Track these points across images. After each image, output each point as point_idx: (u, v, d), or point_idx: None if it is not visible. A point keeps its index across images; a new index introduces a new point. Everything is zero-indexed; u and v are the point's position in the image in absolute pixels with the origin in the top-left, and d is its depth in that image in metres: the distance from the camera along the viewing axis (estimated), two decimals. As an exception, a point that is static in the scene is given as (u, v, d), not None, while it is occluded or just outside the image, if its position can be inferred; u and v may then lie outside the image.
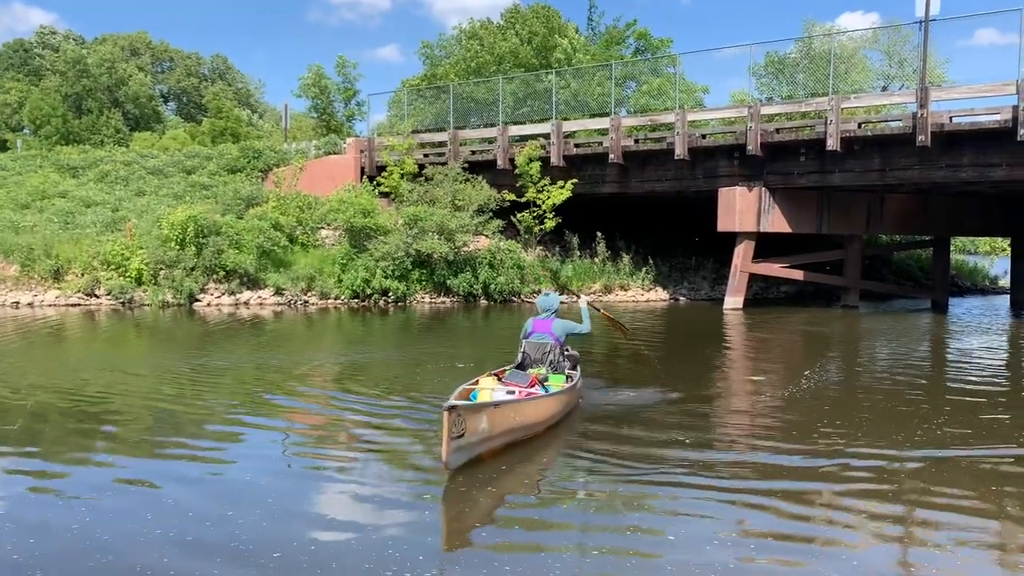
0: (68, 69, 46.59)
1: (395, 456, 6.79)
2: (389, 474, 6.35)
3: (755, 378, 11.03)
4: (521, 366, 8.12)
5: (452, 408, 5.79)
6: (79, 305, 18.10)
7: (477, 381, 7.64)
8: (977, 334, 16.93)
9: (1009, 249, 28.83)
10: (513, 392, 7.31)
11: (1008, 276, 28.74)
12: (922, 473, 6.22)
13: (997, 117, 16.66)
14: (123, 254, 18.87)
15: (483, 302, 20.66)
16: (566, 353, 8.46)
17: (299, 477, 6.28)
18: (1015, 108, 16.10)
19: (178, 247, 18.99)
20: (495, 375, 7.83)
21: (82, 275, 18.75)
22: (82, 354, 12.14)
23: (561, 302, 8.79)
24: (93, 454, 6.81)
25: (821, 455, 6.72)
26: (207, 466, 6.43)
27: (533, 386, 7.48)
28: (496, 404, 6.60)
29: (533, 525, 5.26)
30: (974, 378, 11.22)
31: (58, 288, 18.57)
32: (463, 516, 5.41)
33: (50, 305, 18.01)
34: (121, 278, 18.59)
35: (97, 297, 18.49)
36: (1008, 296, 27.03)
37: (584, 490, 5.96)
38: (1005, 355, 14.35)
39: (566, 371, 8.24)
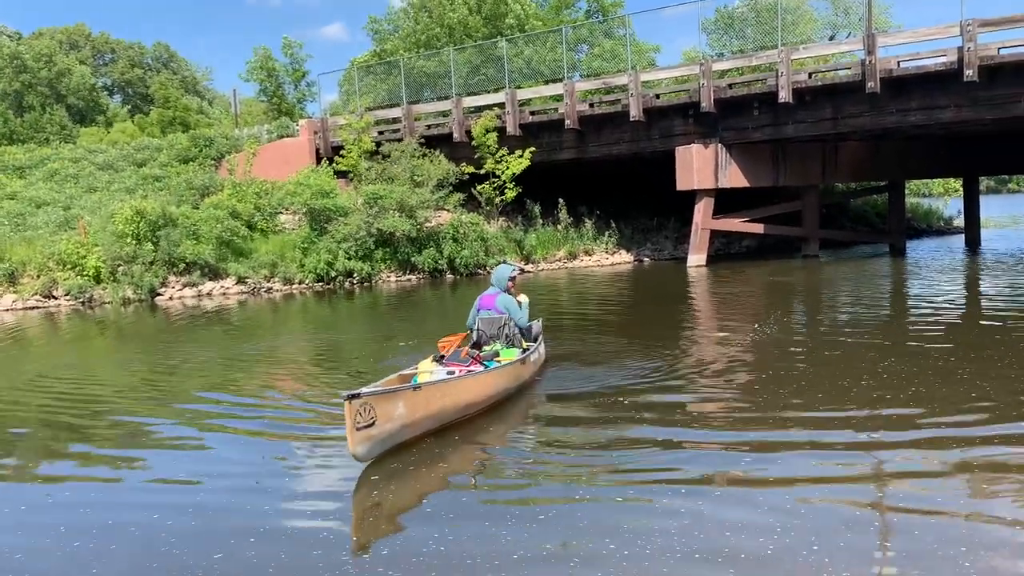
0: (5, 65, 45.20)
1: (322, 450, 6.40)
2: (314, 469, 6.00)
3: (721, 334, 11.17)
4: (476, 344, 7.88)
5: (353, 396, 5.47)
6: (37, 308, 17.74)
7: (417, 366, 7.38)
8: (933, 275, 17.31)
9: (961, 190, 29.41)
10: (453, 372, 7.02)
11: (962, 216, 29.34)
12: (900, 448, 5.74)
13: (943, 59, 16.88)
14: (78, 252, 18.47)
15: (449, 277, 20.61)
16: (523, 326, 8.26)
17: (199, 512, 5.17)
18: (960, 50, 16.31)
19: (134, 242, 18.65)
20: (438, 359, 7.41)
21: (38, 277, 18.34)
22: (30, 360, 11.91)
23: (523, 270, 8.62)
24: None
25: (788, 426, 6.40)
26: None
27: (473, 365, 7.19)
28: (416, 387, 6.26)
29: (459, 531, 4.67)
30: (932, 325, 11.49)
31: (14, 292, 18.16)
32: (376, 524, 4.98)
33: (7, 310, 17.62)
34: (79, 277, 18.21)
35: (56, 298, 18.13)
36: (963, 235, 27.63)
37: (527, 488, 5.38)
38: (960, 297, 14.70)
39: (523, 344, 8.02)
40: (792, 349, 9.65)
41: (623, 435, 6.35)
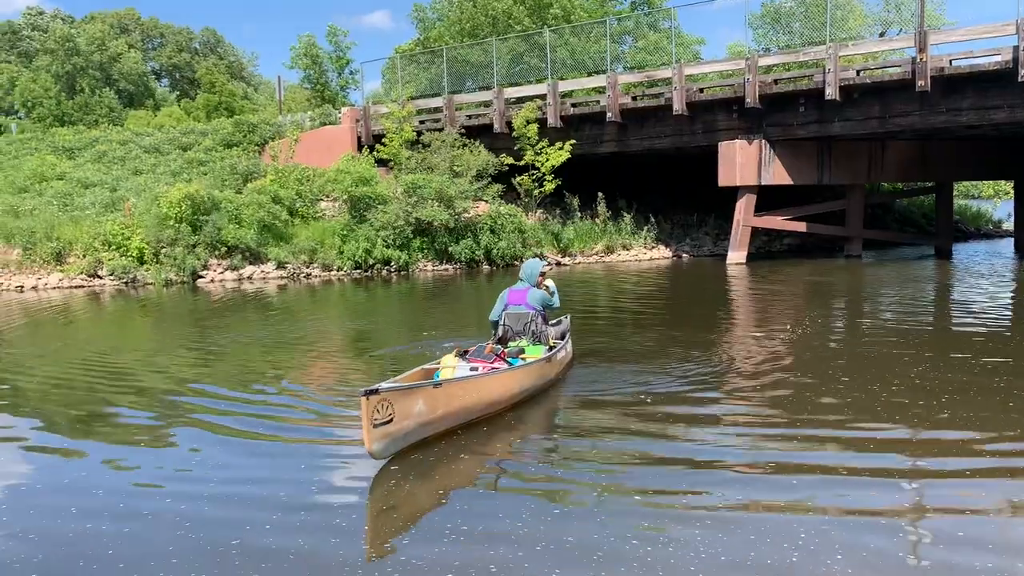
0: (58, 48, 46.20)
1: (344, 441, 6.31)
2: (325, 466, 5.87)
3: (757, 335, 11.04)
4: (502, 340, 7.71)
5: (371, 392, 5.28)
6: (83, 287, 18.14)
7: (440, 361, 7.19)
8: (978, 280, 16.89)
9: (1012, 192, 28.64)
10: (476, 369, 6.82)
11: (1012, 219, 28.59)
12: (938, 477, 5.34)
13: (997, 58, 16.44)
14: (123, 234, 18.85)
15: (485, 267, 20.63)
16: (551, 322, 8.09)
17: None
18: (1015, 49, 15.87)
19: (177, 224, 18.97)
20: (462, 353, 7.21)
21: (84, 256, 18.76)
22: (67, 339, 12.17)
23: (560, 263, 8.47)
24: None
25: (817, 433, 6.28)
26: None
27: (497, 362, 6.98)
28: (437, 383, 6.06)
29: (475, 534, 4.53)
30: (973, 332, 11.21)
31: (61, 271, 18.60)
32: (392, 519, 4.88)
33: (54, 288, 18.06)
34: (123, 258, 18.59)
35: (100, 278, 18.52)
36: (1012, 239, 26.92)
37: (549, 486, 5.26)
38: (1006, 304, 14.33)
39: (549, 341, 7.85)
40: (828, 353, 9.46)
41: (649, 437, 6.25)
